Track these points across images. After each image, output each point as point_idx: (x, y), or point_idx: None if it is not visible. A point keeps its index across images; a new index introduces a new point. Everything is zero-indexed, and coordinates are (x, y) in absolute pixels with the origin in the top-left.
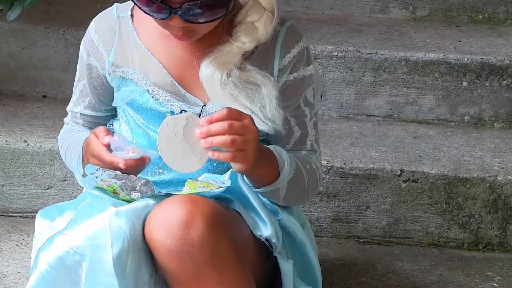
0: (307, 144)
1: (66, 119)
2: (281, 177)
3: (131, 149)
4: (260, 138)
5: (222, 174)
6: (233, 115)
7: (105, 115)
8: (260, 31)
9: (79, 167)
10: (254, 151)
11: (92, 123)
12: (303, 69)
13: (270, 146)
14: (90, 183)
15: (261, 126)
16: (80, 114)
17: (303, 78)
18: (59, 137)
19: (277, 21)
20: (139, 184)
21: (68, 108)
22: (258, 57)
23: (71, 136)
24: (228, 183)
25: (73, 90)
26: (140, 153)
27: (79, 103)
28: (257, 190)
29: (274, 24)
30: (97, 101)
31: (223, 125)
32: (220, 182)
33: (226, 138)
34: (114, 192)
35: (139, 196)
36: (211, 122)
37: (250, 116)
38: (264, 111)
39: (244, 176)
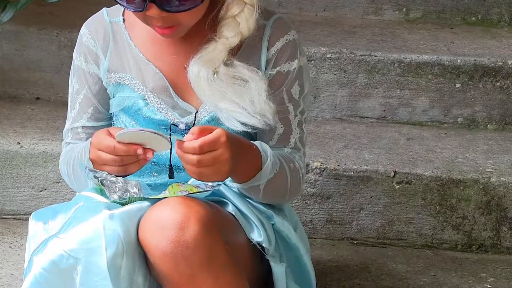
0: (291, 141)
1: (65, 141)
2: (262, 173)
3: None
4: (248, 131)
5: None
6: (205, 148)
7: (106, 124)
8: (241, 25)
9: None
10: (225, 174)
11: None
12: (288, 63)
13: (256, 142)
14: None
15: (251, 120)
16: (83, 127)
17: (287, 72)
18: (60, 161)
19: (258, 13)
20: (124, 188)
21: (67, 127)
22: (246, 52)
23: (77, 148)
24: (216, 187)
25: (71, 106)
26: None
27: (81, 116)
28: (236, 185)
29: (255, 16)
30: (101, 108)
31: (193, 159)
32: (205, 185)
33: (194, 170)
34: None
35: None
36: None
37: (224, 136)
38: (253, 105)
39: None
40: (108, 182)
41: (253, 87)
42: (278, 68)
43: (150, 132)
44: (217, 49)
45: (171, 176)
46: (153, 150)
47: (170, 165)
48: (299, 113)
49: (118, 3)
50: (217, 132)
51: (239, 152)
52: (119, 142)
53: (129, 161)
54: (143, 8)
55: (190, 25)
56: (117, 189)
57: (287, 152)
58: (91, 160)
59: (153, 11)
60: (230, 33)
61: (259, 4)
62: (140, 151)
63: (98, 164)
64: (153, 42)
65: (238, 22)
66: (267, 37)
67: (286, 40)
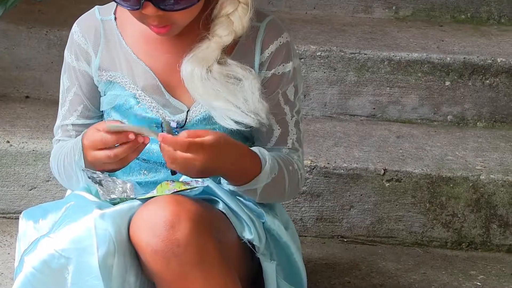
0: (288, 142)
1: (56, 138)
2: (259, 179)
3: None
4: (242, 130)
5: None
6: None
7: (96, 121)
8: (235, 24)
9: (80, 161)
10: (195, 175)
11: None
12: (283, 65)
13: (255, 148)
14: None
15: (245, 119)
16: (73, 125)
17: (282, 74)
18: (51, 159)
19: (252, 12)
20: (120, 188)
21: (57, 125)
22: (239, 53)
23: (67, 146)
24: (205, 183)
25: (61, 103)
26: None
27: (71, 114)
28: (232, 188)
29: (249, 15)
30: (91, 106)
31: (168, 151)
32: (195, 182)
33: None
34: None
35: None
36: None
37: (208, 147)
38: (247, 104)
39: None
40: (107, 182)
41: (247, 85)
42: (273, 71)
43: (139, 127)
44: (211, 47)
45: (173, 172)
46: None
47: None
48: (295, 113)
49: (115, 1)
50: (204, 139)
51: (237, 158)
52: (108, 132)
53: (123, 154)
54: (139, 6)
55: (185, 24)
56: (116, 190)
57: (285, 153)
58: (90, 163)
59: (149, 9)
60: (224, 32)
61: (253, 3)
62: (132, 136)
63: (98, 166)
64: (145, 41)
65: (232, 20)
66: (260, 39)
67: (280, 42)
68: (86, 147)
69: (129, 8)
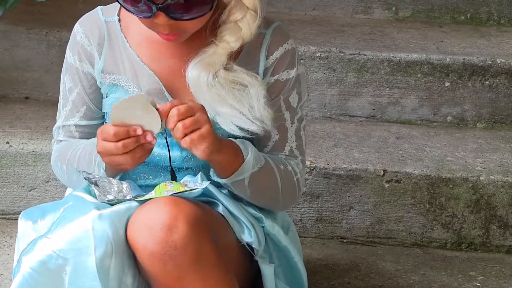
0: (286, 149)
1: (57, 138)
2: (244, 165)
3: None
4: (246, 137)
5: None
6: (183, 113)
7: (99, 122)
8: (243, 30)
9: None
10: (212, 144)
11: (89, 133)
12: (287, 72)
13: (237, 140)
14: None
15: (250, 126)
16: (76, 125)
17: (285, 81)
18: (54, 158)
19: (260, 19)
20: (116, 188)
21: (58, 125)
22: (245, 58)
23: (79, 145)
24: (204, 184)
25: (62, 103)
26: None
27: (74, 115)
28: (222, 181)
29: (257, 22)
30: (94, 107)
31: (178, 127)
32: (193, 184)
33: (184, 139)
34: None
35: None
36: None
37: (201, 105)
38: (253, 111)
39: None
40: (103, 183)
41: (253, 92)
42: (276, 77)
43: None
44: (217, 53)
45: (173, 178)
46: (151, 132)
47: (171, 167)
48: (296, 120)
49: (125, 8)
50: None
51: (219, 144)
52: (116, 125)
53: (131, 146)
54: (151, 14)
55: (194, 31)
56: (112, 190)
57: (280, 157)
58: (98, 152)
59: (161, 18)
60: (231, 38)
61: (261, 11)
62: (139, 131)
63: (105, 155)
64: (149, 44)
65: (240, 27)
66: (266, 45)
67: (285, 49)
68: (98, 135)
69: (140, 16)
